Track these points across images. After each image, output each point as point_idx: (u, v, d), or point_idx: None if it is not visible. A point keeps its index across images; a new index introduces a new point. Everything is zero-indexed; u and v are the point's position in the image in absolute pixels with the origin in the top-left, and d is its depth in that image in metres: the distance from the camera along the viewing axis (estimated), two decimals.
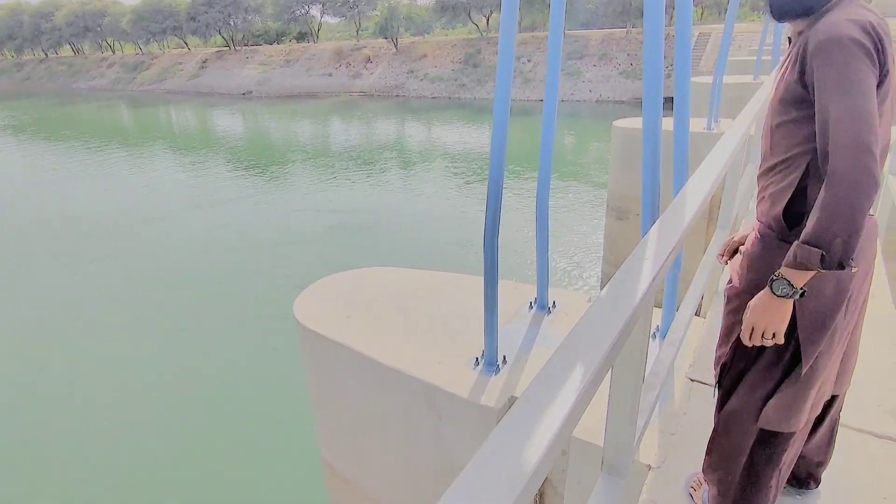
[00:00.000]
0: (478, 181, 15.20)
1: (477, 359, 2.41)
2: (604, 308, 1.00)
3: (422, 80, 35.02)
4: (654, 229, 1.39)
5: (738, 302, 1.40)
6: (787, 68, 1.24)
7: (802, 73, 1.17)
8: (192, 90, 43.53)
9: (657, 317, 2.58)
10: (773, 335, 1.23)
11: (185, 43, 51.11)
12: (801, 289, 1.17)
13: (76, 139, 25.23)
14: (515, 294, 3.00)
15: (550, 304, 2.87)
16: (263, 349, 7.21)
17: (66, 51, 60.15)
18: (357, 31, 44.89)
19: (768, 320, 1.21)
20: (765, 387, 1.35)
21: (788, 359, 1.31)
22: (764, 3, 1.27)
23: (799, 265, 1.13)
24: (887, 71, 1.12)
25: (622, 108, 24.96)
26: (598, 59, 29.66)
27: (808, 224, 1.12)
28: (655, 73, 1.89)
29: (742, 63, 13.96)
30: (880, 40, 1.09)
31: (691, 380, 2.28)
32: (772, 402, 1.34)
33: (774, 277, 1.19)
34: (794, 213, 1.28)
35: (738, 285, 1.41)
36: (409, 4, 39.66)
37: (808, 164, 1.24)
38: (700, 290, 2.49)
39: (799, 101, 1.19)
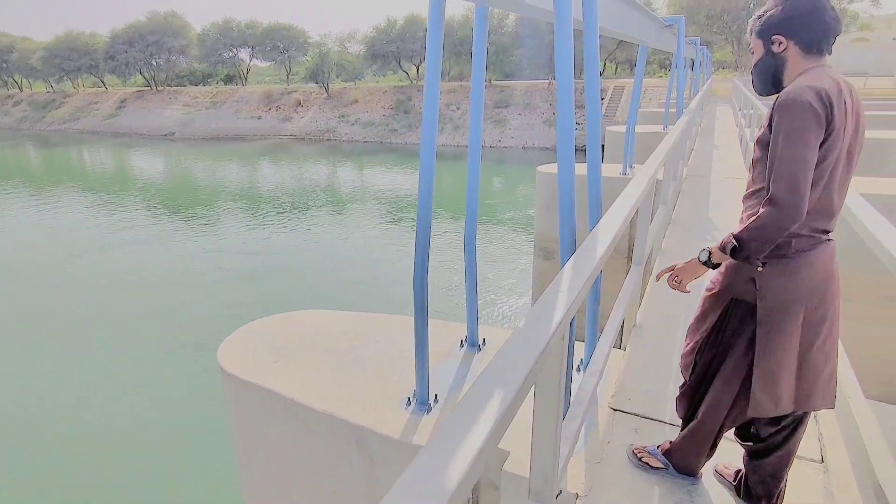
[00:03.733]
0: (408, 223, 15.32)
1: (409, 399, 2.41)
2: (521, 339, 1.05)
3: (353, 124, 35.30)
4: (568, 265, 1.49)
5: (712, 302, 1.70)
6: (766, 118, 1.52)
7: (770, 123, 1.47)
8: (108, 130, 41.47)
9: (581, 350, 2.70)
10: (683, 285, 1.72)
11: (103, 82, 49.02)
12: (716, 263, 1.61)
13: None
14: (446, 333, 3.03)
15: (481, 342, 2.92)
16: (178, 397, 6.74)
17: None
18: (287, 76, 44.92)
19: (686, 274, 1.70)
20: (738, 378, 1.65)
21: (752, 358, 1.60)
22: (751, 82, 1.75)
23: (721, 248, 1.55)
24: (833, 128, 1.40)
25: (546, 154, 26.20)
26: (523, 109, 31.21)
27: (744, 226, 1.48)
28: (567, 123, 2.05)
29: (653, 114, 15.20)
30: (830, 105, 1.38)
31: (613, 409, 2.38)
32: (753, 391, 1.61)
33: (705, 248, 1.62)
34: None
35: (716, 288, 1.69)
36: (341, 52, 40.31)
37: None
38: (618, 323, 2.62)
39: (767, 143, 1.49)
